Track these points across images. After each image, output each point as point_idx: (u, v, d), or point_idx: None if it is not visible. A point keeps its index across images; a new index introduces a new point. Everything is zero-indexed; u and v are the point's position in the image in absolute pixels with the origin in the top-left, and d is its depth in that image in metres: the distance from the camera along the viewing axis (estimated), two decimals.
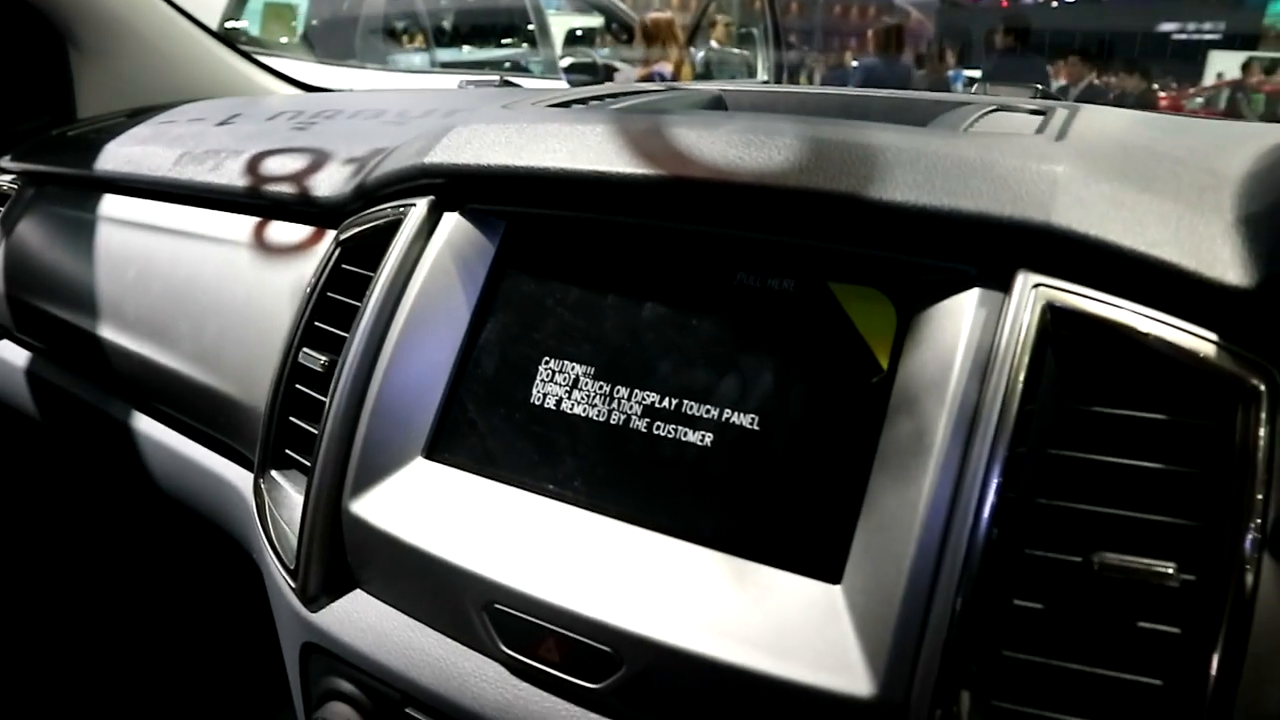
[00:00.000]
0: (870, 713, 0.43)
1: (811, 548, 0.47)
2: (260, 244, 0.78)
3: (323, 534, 0.60)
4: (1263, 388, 0.42)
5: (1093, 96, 5.04)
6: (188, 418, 0.81)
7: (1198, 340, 0.44)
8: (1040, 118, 0.68)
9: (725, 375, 0.52)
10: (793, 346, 0.51)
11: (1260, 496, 0.42)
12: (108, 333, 0.86)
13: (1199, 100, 8.98)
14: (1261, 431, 0.42)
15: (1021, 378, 0.44)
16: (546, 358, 0.57)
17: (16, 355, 1.02)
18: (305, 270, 0.72)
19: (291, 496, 0.65)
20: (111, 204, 0.92)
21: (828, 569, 0.46)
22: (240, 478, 0.75)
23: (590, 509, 0.53)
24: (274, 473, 0.67)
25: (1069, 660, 0.43)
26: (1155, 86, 7.87)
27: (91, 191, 0.95)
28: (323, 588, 0.60)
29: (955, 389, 0.45)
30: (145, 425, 0.86)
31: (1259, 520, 0.42)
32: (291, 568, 0.61)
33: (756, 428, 0.50)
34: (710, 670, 0.46)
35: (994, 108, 0.73)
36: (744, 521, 0.49)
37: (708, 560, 0.49)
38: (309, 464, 0.62)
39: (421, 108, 0.92)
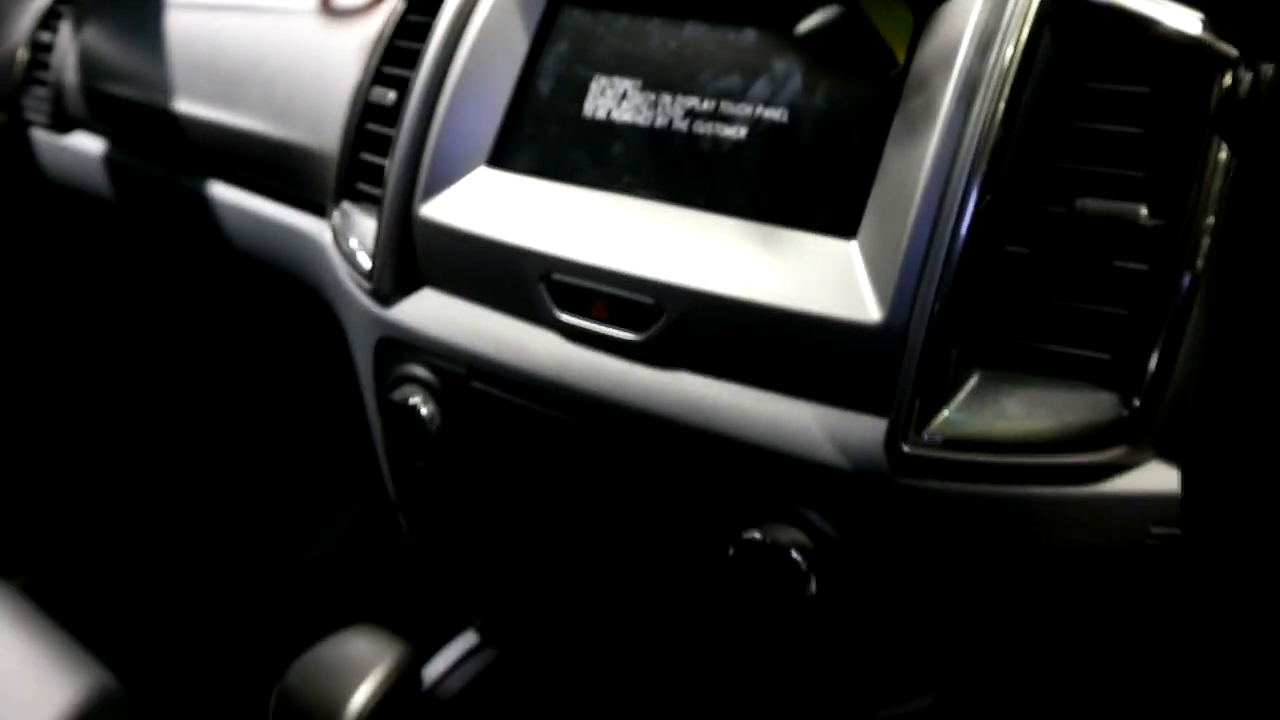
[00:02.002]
0: (877, 336, 0.50)
1: (831, 211, 0.54)
2: (327, 9, 0.83)
3: (394, 239, 0.67)
4: (1236, 55, 0.48)
5: None
6: (261, 175, 0.88)
7: (1181, 18, 0.49)
8: None
9: (758, 80, 0.58)
10: (821, 53, 0.57)
11: (1224, 154, 0.48)
12: (183, 106, 0.93)
13: None
14: (1231, 96, 0.48)
15: (1020, 52, 0.50)
16: (598, 76, 0.63)
17: (91, 145, 1.09)
18: (370, 29, 0.78)
19: (363, 221, 0.72)
20: None
21: (844, 228, 0.53)
22: (311, 224, 0.82)
23: (637, 195, 0.60)
24: (346, 204, 0.75)
25: (1050, 296, 0.50)
26: None
27: None
28: (395, 287, 0.68)
29: (961, 65, 0.51)
30: (219, 191, 0.93)
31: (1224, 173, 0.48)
32: (367, 272, 0.68)
33: (785, 119, 0.57)
34: (739, 310, 0.53)
35: None
36: (773, 195, 0.56)
37: (741, 228, 0.56)
38: (378, 193, 0.69)
39: None
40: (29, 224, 1.24)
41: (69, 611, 0.92)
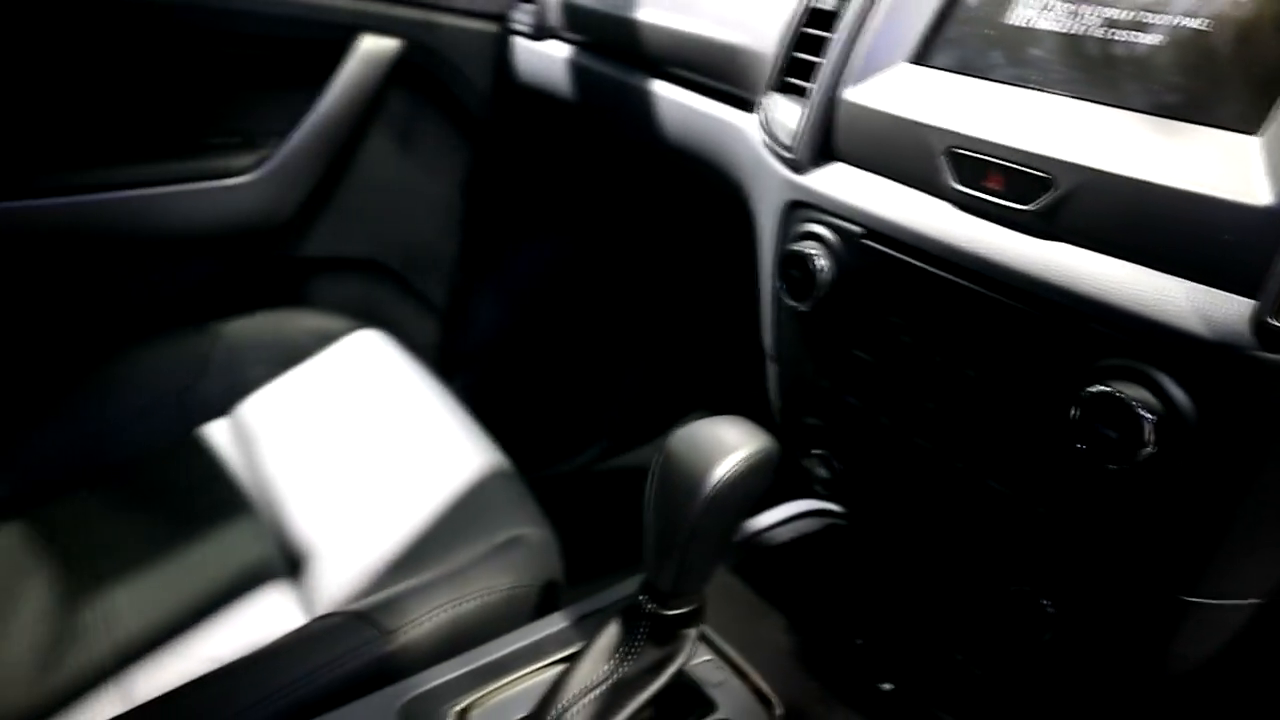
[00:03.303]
0: (1264, 218, 0.54)
1: (1236, 109, 0.58)
2: None
3: (818, 120, 0.79)
4: None
5: None
6: (700, 74, 1.04)
7: None
8: None
9: None
10: None
11: None
12: (645, 15, 1.11)
13: None
14: None
15: None
16: None
17: (561, 51, 1.32)
18: None
19: (788, 108, 0.85)
20: None
21: (1248, 125, 0.57)
22: (735, 115, 0.97)
23: (1046, 90, 0.67)
24: (774, 94, 0.88)
25: None
26: None
27: None
28: (810, 159, 0.80)
29: None
30: (661, 88, 1.11)
31: None
32: (788, 146, 0.81)
33: (1206, 28, 0.61)
34: (1127, 187, 0.59)
35: None
36: (1178, 95, 0.61)
37: (1140, 120, 0.61)
38: (805, 85, 0.81)
39: None
40: (507, 115, 1.51)
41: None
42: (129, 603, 0.97)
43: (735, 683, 0.78)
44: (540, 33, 1.36)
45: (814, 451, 0.87)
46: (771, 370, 0.90)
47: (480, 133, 1.52)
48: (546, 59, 1.34)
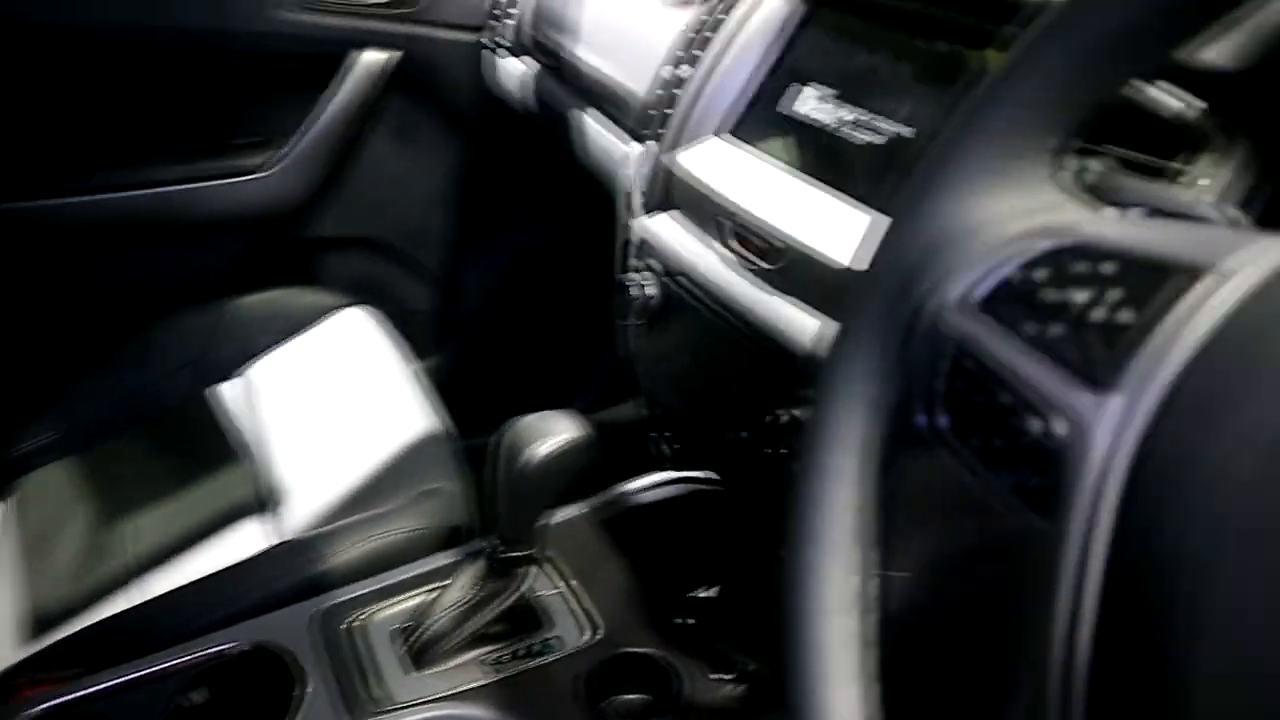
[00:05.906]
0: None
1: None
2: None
3: (654, 174, 0.99)
4: None
5: None
6: (611, 109, 1.23)
7: None
8: None
9: (907, 103, 0.81)
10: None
11: None
12: (578, 50, 1.30)
13: None
14: None
15: None
16: (812, 82, 0.89)
17: (518, 67, 1.52)
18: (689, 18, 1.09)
19: (648, 157, 1.05)
20: None
21: None
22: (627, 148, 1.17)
23: (796, 171, 0.86)
24: (648, 142, 1.07)
25: None
26: None
27: None
28: (649, 207, 1.00)
29: None
30: (579, 114, 1.31)
31: None
32: (642, 193, 1.01)
33: (911, 135, 0.79)
34: (819, 260, 0.78)
35: None
36: (873, 186, 0.79)
37: (848, 205, 0.80)
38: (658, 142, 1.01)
39: None
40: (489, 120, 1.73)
41: None
42: (148, 525, 1.25)
43: (573, 608, 1.01)
44: (512, 49, 1.56)
45: (664, 433, 1.09)
46: (625, 367, 1.12)
47: (468, 131, 1.74)
48: (508, 74, 1.55)
